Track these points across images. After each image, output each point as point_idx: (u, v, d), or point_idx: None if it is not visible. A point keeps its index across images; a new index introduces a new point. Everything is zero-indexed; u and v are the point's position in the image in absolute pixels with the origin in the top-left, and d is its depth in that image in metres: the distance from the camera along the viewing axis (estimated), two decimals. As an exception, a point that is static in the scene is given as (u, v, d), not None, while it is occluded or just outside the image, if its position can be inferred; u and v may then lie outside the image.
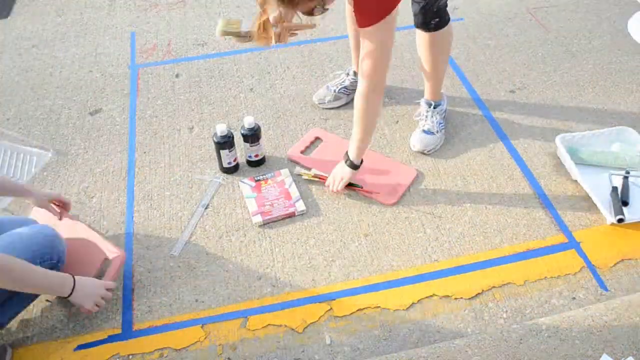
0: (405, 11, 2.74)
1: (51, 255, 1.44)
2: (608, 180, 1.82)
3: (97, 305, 1.45)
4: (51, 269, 1.41)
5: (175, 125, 2.14)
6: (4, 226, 1.47)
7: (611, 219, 1.69)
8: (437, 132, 1.98)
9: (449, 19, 1.79)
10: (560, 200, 1.81)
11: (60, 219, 1.62)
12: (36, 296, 1.50)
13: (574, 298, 1.56)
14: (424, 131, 1.98)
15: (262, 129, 2.06)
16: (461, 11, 2.67)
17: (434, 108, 1.99)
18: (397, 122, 2.11)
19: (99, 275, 1.55)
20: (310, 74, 2.35)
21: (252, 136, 1.86)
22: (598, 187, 1.79)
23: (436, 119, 1.99)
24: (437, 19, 1.75)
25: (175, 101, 2.24)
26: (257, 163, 1.94)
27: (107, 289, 1.48)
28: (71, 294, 1.39)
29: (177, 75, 2.37)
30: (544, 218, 1.76)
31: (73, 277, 1.41)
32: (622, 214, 1.67)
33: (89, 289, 1.43)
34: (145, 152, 2.03)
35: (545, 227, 1.74)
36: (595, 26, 2.57)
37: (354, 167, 1.77)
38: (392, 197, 1.83)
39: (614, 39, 2.49)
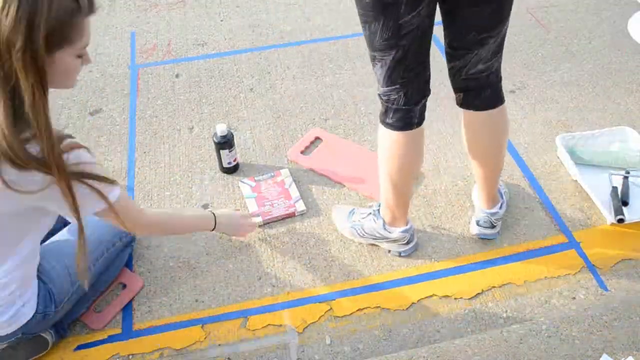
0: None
1: (127, 232, 1.57)
2: (608, 180, 1.82)
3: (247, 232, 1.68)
4: (126, 246, 1.61)
5: (175, 125, 2.14)
6: None
7: (611, 219, 1.69)
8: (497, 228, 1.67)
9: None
10: (560, 200, 1.81)
11: None
12: (94, 298, 1.55)
13: (574, 298, 1.56)
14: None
15: (262, 129, 2.06)
16: (461, 11, 2.67)
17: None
18: (397, 122, 2.11)
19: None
20: (310, 74, 2.35)
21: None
22: (598, 187, 1.79)
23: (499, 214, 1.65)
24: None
25: (175, 101, 2.24)
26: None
27: (248, 218, 1.70)
28: (215, 227, 1.56)
29: (177, 75, 2.37)
30: (544, 218, 1.76)
31: (213, 213, 1.57)
32: (622, 214, 1.67)
33: (231, 220, 1.62)
34: (145, 152, 2.03)
35: (545, 227, 1.74)
36: (595, 26, 2.58)
37: None
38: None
39: (614, 39, 2.49)
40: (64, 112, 2.20)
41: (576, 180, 1.85)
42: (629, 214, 1.71)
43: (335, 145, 2.01)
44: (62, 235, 1.45)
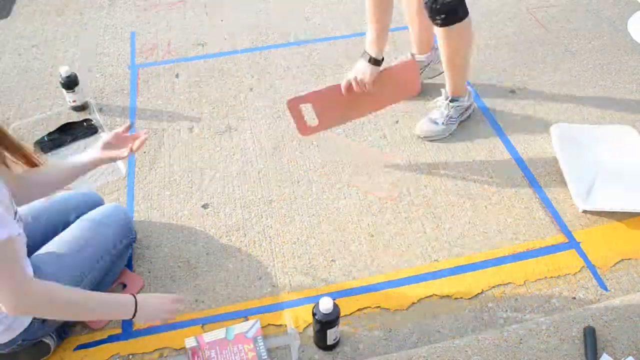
0: (404, 13, 2.74)
1: (130, 232, 1.58)
2: (591, 169, 1.83)
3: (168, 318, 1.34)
4: (129, 244, 1.59)
5: (175, 125, 2.14)
6: (70, 201, 1.56)
7: (581, 205, 1.72)
8: (443, 124, 2.00)
9: (462, 16, 1.74)
10: (560, 200, 1.81)
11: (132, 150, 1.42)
12: None
13: (574, 298, 1.56)
14: (429, 119, 2.02)
15: (262, 129, 2.06)
16: (461, 11, 2.67)
17: (450, 102, 1.99)
18: (397, 122, 2.11)
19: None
20: (310, 74, 2.35)
21: (70, 83, 2.07)
22: (578, 170, 1.81)
23: (447, 111, 1.99)
24: (443, 16, 1.72)
25: (175, 101, 2.24)
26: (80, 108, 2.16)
27: (177, 302, 1.35)
28: (135, 315, 1.28)
29: (177, 75, 2.37)
30: (544, 218, 1.76)
31: (134, 297, 1.29)
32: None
33: (154, 306, 1.31)
34: (145, 152, 2.03)
35: (545, 227, 1.74)
36: (595, 26, 2.57)
37: (377, 62, 1.80)
38: (413, 87, 1.94)
39: (614, 39, 2.49)
40: (63, 112, 2.20)
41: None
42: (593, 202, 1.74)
43: (325, 97, 1.87)
44: (59, 241, 1.44)
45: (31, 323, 1.30)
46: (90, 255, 1.43)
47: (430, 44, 2.15)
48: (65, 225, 1.51)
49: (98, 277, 1.48)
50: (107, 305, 1.27)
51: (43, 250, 1.40)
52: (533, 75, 2.32)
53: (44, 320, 1.33)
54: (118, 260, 1.58)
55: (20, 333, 1.30)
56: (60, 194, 1.59)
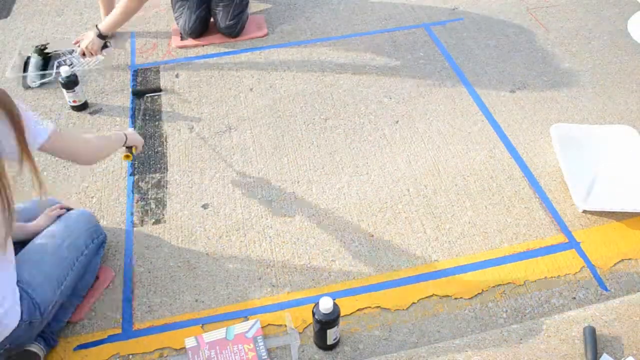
0: (404, 12, 2.74)
1: (99, 232, 1.59)
2: (591, 169, 1.84)
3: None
4: (102, 243, 1.60)
5: (175, 125, 2.14)
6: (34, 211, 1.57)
7: (581, 205, 1.73)
8: None
9: None
10: (560, 200, 1.81)
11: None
12: (77, 304, 1.54)
13: (574, 298, 1.56)
14: None
15: (262, 129, 2.06)
16: (461, 11, 2.67)
17: None
18: (397, 122, 2.11)
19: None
20: (310, 74, 2.35)
21: (70, 83, 2.10)
22: (578, 170, 1.82)
23: None
24: None
25: (175, 101, 2.24)
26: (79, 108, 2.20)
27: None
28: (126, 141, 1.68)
29: (177, 75, 2.37)
30: (544, 218, 1.76)
31: (123, 133, 1.68)
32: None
33: (136, 136, 1.74)
34: (145, 152, 2.02)
35: (545, 227, 1.74)
36: (595, 26, 2.58)
37: (102, 36, 2.41)
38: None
39: (613, 39, 2.49)
40: (64, 112, 2.20)
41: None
42: (593, 202, 1.74)
43: None
44: (35, 243, 1.43)
45: (18, 325, 1.27)
46: (66, 260, 1.43)
47: None
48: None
49: (76, 277, 1.47)
50: (113, 141, 1.64)
51: (20, 255, 1.38)
52: (533, 75, 2.32)
53: (30, 323, 1.31)
54: (92, 262, 1.57)
55: (7, 337, 1.27)
56: (30, 200, 1.60)
